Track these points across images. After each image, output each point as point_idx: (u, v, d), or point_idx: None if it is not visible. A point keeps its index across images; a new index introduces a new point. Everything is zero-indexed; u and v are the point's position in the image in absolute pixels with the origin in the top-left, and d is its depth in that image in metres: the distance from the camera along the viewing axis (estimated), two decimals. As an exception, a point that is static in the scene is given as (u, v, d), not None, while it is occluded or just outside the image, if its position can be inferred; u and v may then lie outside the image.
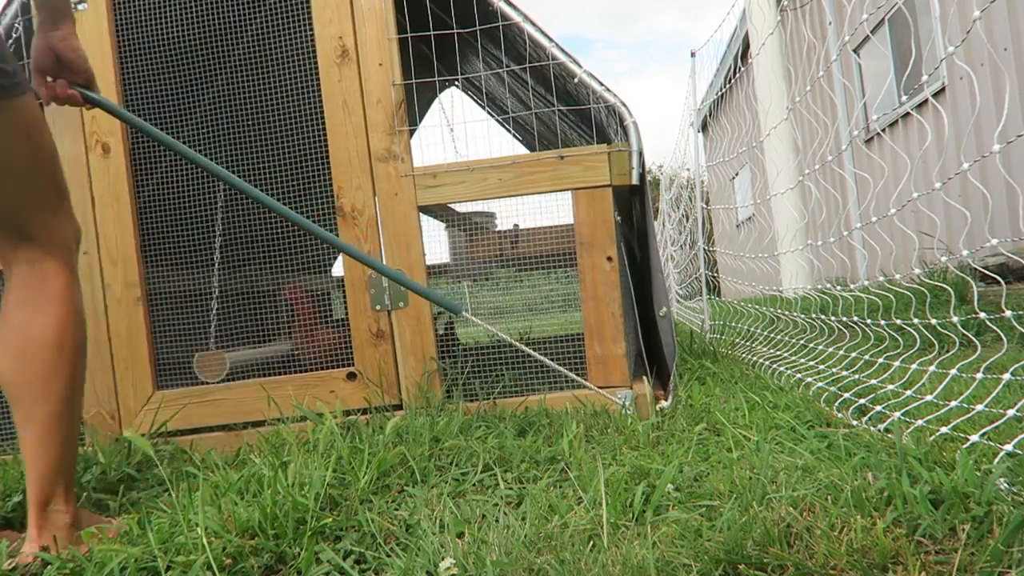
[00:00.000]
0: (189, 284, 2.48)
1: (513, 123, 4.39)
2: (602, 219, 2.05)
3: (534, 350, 1.94)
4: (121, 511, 1.51)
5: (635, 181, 2.08)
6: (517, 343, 1.93)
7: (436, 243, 2.25)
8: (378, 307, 2.07)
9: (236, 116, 2.39)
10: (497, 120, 4.33)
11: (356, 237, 2.08)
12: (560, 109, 2.64)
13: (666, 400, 2.02)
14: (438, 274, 2.35)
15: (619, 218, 2.30)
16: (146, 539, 1.17)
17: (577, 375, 1.97)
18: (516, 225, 2.33)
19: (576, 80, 2.13)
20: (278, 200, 1.59)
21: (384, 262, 2.07)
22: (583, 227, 2.06)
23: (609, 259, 2.06)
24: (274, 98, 2.40)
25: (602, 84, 2.12)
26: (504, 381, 2.11)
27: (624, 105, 2.11)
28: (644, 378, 2.12)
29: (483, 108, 4.39)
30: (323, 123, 2.12)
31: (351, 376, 2.10)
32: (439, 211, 2.36)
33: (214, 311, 2.41)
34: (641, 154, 2.07)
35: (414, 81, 2.13)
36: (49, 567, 1.15)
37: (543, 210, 2.14)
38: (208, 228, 2.53)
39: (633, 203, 2.75)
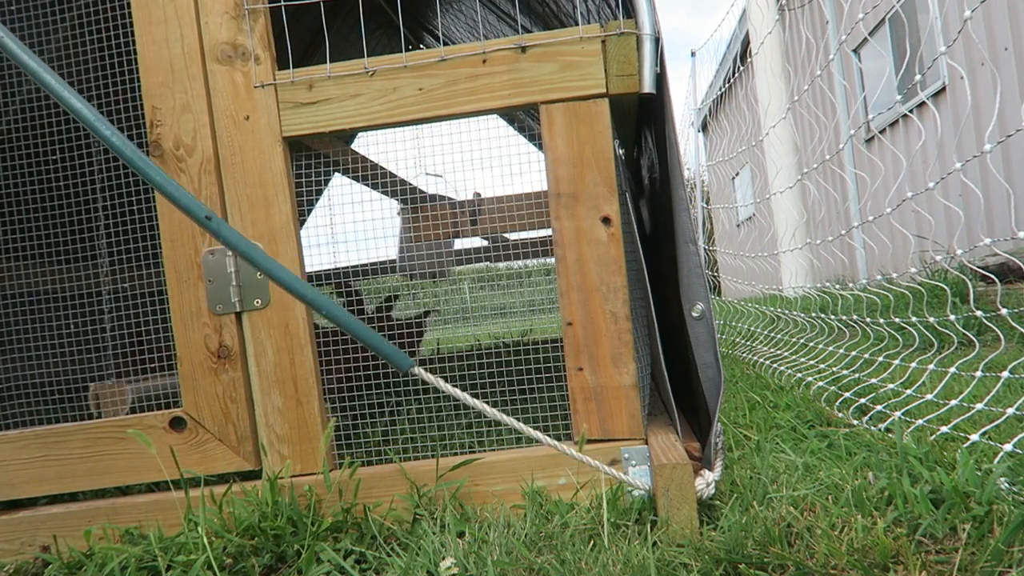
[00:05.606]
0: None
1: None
2: (593, 152, 1.25)
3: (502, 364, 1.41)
4: None
5: (648, 88, 1.26)
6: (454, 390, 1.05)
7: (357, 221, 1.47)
8: (220, 308, 1.30)
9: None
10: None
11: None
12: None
13: (710, 469, 1.17)
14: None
15: (623, 153, 1.58)
16: (146, 538, 1.17)
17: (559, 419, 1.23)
18: (477, 194, 1.80)
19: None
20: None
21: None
22: (561, 167, 1.26)
23: (606, 221, 1.25)
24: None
25: None
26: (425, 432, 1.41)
27: None
28: (668, 424, 1.36)
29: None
30: (127, 5, 1.36)
31: (176, 423, 1.33)
32: (324, 148, 1.55)
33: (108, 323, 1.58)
34: (658, 41, 1.25)
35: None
36: (49, 567, 1.15)
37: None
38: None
39: (643, 132, 1.77)
